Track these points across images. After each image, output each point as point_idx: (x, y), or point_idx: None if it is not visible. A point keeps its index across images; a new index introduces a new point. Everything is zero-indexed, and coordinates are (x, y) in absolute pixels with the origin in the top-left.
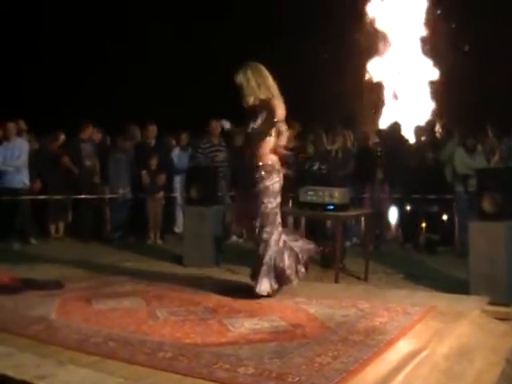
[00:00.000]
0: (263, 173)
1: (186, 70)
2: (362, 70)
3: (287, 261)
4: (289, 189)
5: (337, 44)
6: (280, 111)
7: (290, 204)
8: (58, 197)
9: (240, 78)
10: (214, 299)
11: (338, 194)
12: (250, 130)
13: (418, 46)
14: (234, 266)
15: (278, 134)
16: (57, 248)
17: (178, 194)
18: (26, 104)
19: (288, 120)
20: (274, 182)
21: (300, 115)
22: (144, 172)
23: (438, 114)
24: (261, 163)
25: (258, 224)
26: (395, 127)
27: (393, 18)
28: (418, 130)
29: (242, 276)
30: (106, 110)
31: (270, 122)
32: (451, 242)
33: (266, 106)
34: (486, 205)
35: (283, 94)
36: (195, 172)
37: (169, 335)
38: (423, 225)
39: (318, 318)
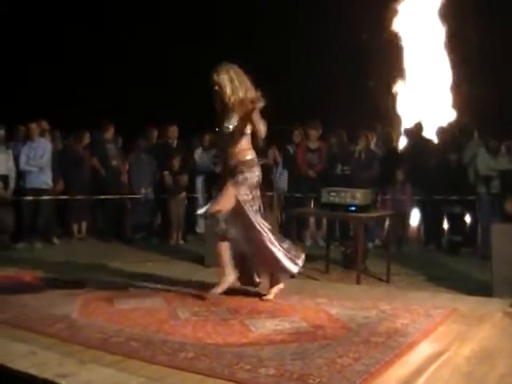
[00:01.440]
0: (243, 167)
1: (207, 70)
2: (385, 67)
3: None
4: (310, 189)
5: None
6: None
7: (312, 205)
8: (81, 197)
9: (223, 79)
10: (236, 300)
11: (360, 196)
12: (228, 130)
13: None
14: None
15: (255, 129)
16: (79, 248)
17: (199, 195)
18: (48, 104)
19: (311, 120)
20: (253, 176)
21: (322, 115)
22: (166, 173)
23: (461, 114)
24: (241, 159)
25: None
26: (417, 128)
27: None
28: (441, 131)
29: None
30: (122, 110)
31: (245, 120)
32: (474, 244)
33: (242, 105)
34: (509, 206)
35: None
36: (216, 173)
37: (190, 335)
38: (445, 226)
39: (340, 319)
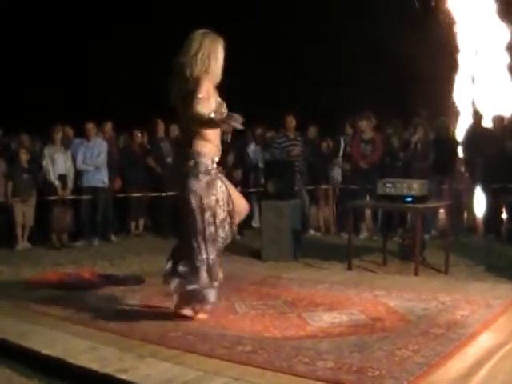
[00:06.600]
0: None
1: (265, 67)
2: (437, 55)
3: None
4: (365, 181)
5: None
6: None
7: (368, 197)
8: (137, 194)
9: (196, 44)
10: (293, 293)
11: (416, 186)
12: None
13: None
14: (313, 259)
15: None
16: (136, 244)
17: (254, 189)
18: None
19: (365, 111)
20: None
21: (377, 106)
22: (220, 168)
23: None
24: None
25: None
26: (476, 116)
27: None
28: (498, 118)
29: (321, 269)
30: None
31: None
32: None
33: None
34: None
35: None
36: (272, 166)
37: (248, 329)
38: (504, 215)
39: (398, 311)
